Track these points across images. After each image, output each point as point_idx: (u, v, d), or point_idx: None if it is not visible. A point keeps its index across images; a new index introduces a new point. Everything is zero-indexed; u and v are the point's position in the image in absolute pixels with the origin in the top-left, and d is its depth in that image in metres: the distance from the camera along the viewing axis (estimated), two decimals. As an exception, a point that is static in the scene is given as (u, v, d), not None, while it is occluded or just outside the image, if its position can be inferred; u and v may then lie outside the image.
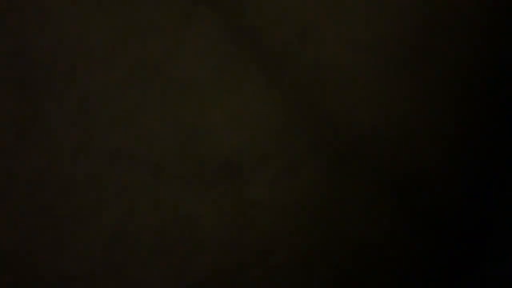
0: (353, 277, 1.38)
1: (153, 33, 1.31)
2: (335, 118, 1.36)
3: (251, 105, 1.33)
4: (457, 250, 1.39)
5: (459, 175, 1.39)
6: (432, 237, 1.39)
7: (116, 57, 1.30)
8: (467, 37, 1.37)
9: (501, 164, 1.38)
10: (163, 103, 1.32)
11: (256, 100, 1.33)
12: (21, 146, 1.31)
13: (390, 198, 1.39)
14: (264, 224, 1.36)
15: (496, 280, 1.31)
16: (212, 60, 1.33)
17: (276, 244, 1.36)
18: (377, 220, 1.38)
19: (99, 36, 1.29)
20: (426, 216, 1.40)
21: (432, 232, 1.39)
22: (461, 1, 1.36)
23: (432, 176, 1.39)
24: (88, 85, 1.30)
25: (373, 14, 1.35)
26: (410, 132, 1.38)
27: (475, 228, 1.38)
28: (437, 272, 1.40)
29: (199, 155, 1.34)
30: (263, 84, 1.33)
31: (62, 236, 1.32)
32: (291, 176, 1.36)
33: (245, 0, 1.31)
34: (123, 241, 1.33)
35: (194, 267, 1.35)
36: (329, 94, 1.34)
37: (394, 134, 1.37)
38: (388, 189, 1.39)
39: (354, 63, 1.35)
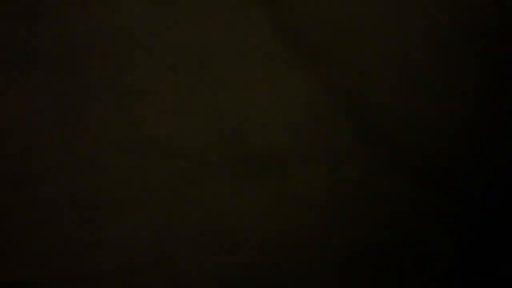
0: (396, 275, 1.32)
1: (202, 26, 1.36)
2: (380, 116, 1.37)
3: (297, 101, 1.35)
4: (493, 240, 1.34)
5: (492, 168, 1.36)
6: (470, 228, 1.35)
7: (163, 47, 1.34)
8: (496, 36, 1.40)
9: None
10: (209, 97, 1.35)
11: (302, 96, 1.35)
12: (67, 135, 1.32)
13: (428, 195, 1.37)
14: (306, 220, 1.34)
15: None
16: (259, 55, 1.36)
17: (316, 243, 1.33)
18: (421, 215, 1.35)
19: (149, 27, 1.34)
20: (461, 209, 1.36)
21: (469, 222, 1.35)
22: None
23: (467, 168, 1.37)
24: (130, 73, 1.34)
25: (417, 24, 1.39)
26: (445, 124, 1.38)
27: (505, 221, 1.34)
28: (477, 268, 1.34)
29: (244, 149, 1.35)
30: (309, 80, 1.35)
31: (105, 230, 1.30)
32: (334, 172, 1.35)
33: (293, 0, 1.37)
34: (167, 234, 1.31)
35: (236, 261, 1.31)
36: (374, 91, 1.36)
37: (433, 130, 1.37)
38: (427, 183, 1.37)
39: (399, 58, 1.38)
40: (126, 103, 1.32)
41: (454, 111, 1.36)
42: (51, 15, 1.34)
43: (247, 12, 1.34)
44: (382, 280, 1.32)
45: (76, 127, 1.32)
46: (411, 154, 1.36)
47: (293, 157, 1.35)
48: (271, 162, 1.35)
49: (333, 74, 1.34)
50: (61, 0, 1.30)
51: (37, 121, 1.29)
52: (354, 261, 1.33)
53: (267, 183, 1.35)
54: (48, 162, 1.30)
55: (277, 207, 1.34)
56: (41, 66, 1.28)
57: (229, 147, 1.34)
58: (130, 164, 1.32)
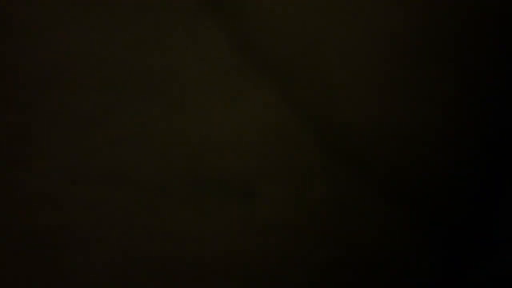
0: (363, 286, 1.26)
1: (154, 47, 1.28)
2: (345, 130, 1.30)
3: (260, 120, 1.28)
4: (463, 252, 1.28)
5: (465, 177, 1.30)
6: (441, 242, 1.29)
7: (115, 70, 1.26)
8: (468, 40, 1.34)
9: (504, 166, 1.30)
10: (166, 121, 1.27)
11: (264, 114, 1.28)
12: (15, 168, 1.24)
13: (401, 208, 1.30)
14: (276, 245, 1.26)
15: (497, 279, 1.21)
16: (216, 75, 1.29)
17: (290, 266, 1.26)
18: (391, 230, 1.29)
19: (97, 49, 1.27)
20: (435, 222, 1.30)
21: (440, 237, 1.29)
22: (463, 2, 1.34)
23: (439, 180, 1.31)
24: (80, 99, 1.26)
25: (378, 18, 1.33)
26: (415, 136, 1.31)
27: (478, 228, 1.29)
28: (445, 276, 1.28)
29: (206, 174, 1.27)
30: (272, 98, 1.28)
31: (61, 268, 1.22)
32: (303, 192, 1.28)
33: (250, 13, 1.30)
34: (124, 269, 1.23)
35: (205, 291, 1.24)
36: (342, 105, 1.29)
37: (402, 141, 1.31)
38: (398, 198, 1.30)
39: (368, 70, 1.31)
40: (77, 132, 1.25)
41: (426, 124, 1.29)
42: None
43: (202, 30, 1.26)
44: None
45: (25, 160, 1.24)
46: (382, 169, 1.30)
47: (258, 179, 1.28)
48: (235, 185, 1.28)
49: (296, 91, 1.27)
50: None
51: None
52: (327, 280, 1.27)
53: (232, 208, 1.27)
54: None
55: (245, 232, 1.27)
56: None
57: (190, 173, 1.27)
58: (85, 197, 1.24)
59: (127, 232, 1.24)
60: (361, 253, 1.28)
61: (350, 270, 1.27)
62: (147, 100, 1.26)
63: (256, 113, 1.29)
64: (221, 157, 1.27)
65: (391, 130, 1.29)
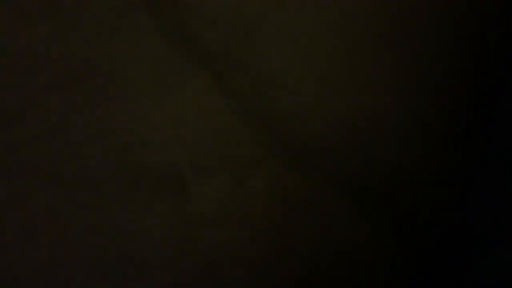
0: (312, 285, 1.22)
1: (81, 36, 1.22)
2: (287, 120, 1.26)
3: (193, 109, 1.23)
4: (438, 253, 1.25)
5: (435, 175, 1.27)
6: (408, 244, 1.25)
7: (39, 64, 1.20)
8: (447, 24, 1.30)
9: (484, 163, 1.27)
10: (93, 115, 1.21)
11: (198, 103, 1.23)
12: None
13: (348, 203, 1.26)
14: (212, 238, 1.22)
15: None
16: (147, 65, 1.23)
17: (226, 259, 1.21)
18: (340, 229, 1.25)
19: (15, 36, 1.21)
20: (399, 222, 1.26)
21: (408, 239, 1.25)
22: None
23: (395, 180, 1.27)
24: (4, 92, 1.20)
25: (318, 13, 1.28)
26: (368, 134, 1.27)
27: (457, 230, 1.25)
28: (418, 276, 1.24)
29: (136, 169, 1.22)
30: (206, 86, 1.23)
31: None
32: (240, 185, 1.24)
33: (183, 0, 1.24)
34: (55, 267, 1.18)
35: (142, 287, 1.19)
36: (279, 95, 1.24)
37: (350, 137, 1.27)
38: (347, 194, 1.26)
39: (305, 59, 1.27)
40: (1, 126, 1.19)
41: (376, 112, 1.25)
42: None
43: (130, 18, 1.21)
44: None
45: None
46: (327, 162, 1.26)
47: (192, 173, 1.23)
48: (168, 180, 1.23)
49: (231, 81, 1.22)
50: None
51: None
52: (264, 275, 1.23)
53: (164, 203, 1.22)
54: None
55: (180, 228, 1.22)
56: None
57: (119, 167, 1.21)
58: (9, 193, 1.18)
59: (54, 228, 1.19)
60: (303, 249, 1.24)
61: (288, 267, 1.23)
62: (73, 93, 1.20)
63: (188, 105, 1.24)
64: (152, 151, 1.22)
65: (334, 123, 1.25)
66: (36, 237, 1.18)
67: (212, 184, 1.23)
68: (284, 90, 1.26)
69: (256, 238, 1.23)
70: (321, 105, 1.27)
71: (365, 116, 1.26)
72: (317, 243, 1.24)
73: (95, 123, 1.21)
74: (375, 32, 1.29)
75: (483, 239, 1.25)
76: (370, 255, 1.26)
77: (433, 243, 1.26)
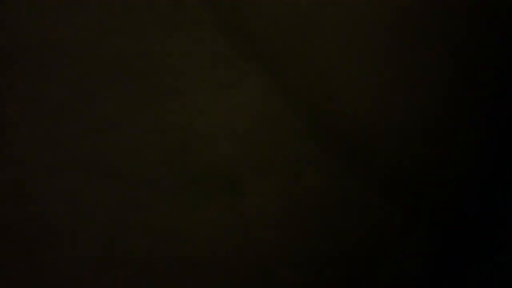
0: (358, 283, 1.22)
1: (138, 31, 1.20)
2: (339, 121, 1.24)
3: (250, 110, 1.21)
4: (463, 247, 1.25)
5: (463, 173, 1.26)
6: (439, 236, 1.25)
7: (98, 57, 1.18)
8: (467, 33, 1.28)
9: (502, 162, 1.27)
10: (150, 108, 1.19)
11: (255, 104, 1.21)
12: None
13: (397, 203, 1.26)
14: (266, 238, 1.21)
15: (497, 276, 1.19)
16: (205, 62, 1.21)
17: (279, 260, 1.20)
18: (386, 224, 1.24)
19: (79, 35, 1.18)
20: (432, 216, 1.26)
21: (438, 231, 1.25)
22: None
23: (436, 174, 1.26)
24: (60, 86, 1.17)
25: (374, 11, 1.26)
26: (415, 130, 1.26)
27: (477, 224, 1.25)
28: (443, 272, 1.24)
29: (193, 166, 1.20)
30: (264, 83, 1.21)
31: (38, 262, 1.15)
32: (294, 184, 1.22)
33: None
34: (107, 267, 1.16)
35: (195, 285, 1.18)
36: (336, 94, 1.22)
37: (400, 134, 1.26)
38: (395, 192, 1.25)
39: (362, 57, 1.25)
40: (57, 121, 1.16)
41: (425, 117, 1.24)
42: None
43: (189, 12, 1.18)
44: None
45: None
46: (380, 163, 1.24)
47: (248, 171, 1.21)
48: (224, 178, 1.21)
49: (288, 79, 1.20)
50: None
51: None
52: (319, 277, 1.22)
53: (221, 202, 1.21)
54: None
55: (235, 227, 1.21)
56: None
57: (176, 164, 1.20)
58: (64, 188, 1.16)
59: (109, 227, 1.17)
60: (355, 250, 1.23)
61: (343, 267, 1.23)
62: (131, 88, 1.18)
63: (245, 102, 1.22)
64: (209, 148, 1.20)
65: (389, 122, 1.24)
66: (88, 236, 1.17)
67: (268, 182, 1.22)
68: (341, 88, 1.25)
69: (310, 240, 1.22)
70: (378, 103, 1.26)
71: (423, 116, 1.25)
72: (368, 245, 1.24)
73: (152, 119, 1.19)
74: (430, 30, 1.28)
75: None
76: (410, 255, 1.25)
77: (462, 233, 1.26)
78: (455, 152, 1.25)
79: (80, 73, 1.17)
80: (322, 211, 1.23)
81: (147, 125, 1.18)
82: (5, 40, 1.15)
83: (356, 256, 1.23)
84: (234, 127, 1.21)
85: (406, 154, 1.25)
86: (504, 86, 1.29)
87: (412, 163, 1.26)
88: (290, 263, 1.21)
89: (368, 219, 1.24)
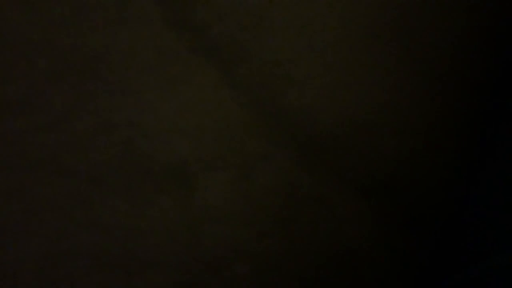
0: (319, 283, 1.21)
1: (85, 26, 1.18)
2: (295, 115, 1.23)
3: (199, 102, 1.20)
4: (433, 249, 1.24)
5: (430, 171, 1.25)
6: (405, 236, 1.24)
7: (43, 54, 1.16)
8: (443, 32, 1.26)
9: (476, 162, 1.25)
10: (98, 106, 1.18)
11: (204, 95, 1.19)
12: None
13: (356, 199, 1.24)
14: (217, 233, 1.20)
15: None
16: (152, 56, 1.19)
17: (231, 254, 1.20)
18: (340, 219, 1.23)
19: (21, 28, 1.16)
20: (396, 216, 1.25)
21: (404, 231, 1.24)
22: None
23: (401, 174, 1.25)
24: (6, 83, 1.16)
25: (338, 3, 1.23)
26: (375, 128, 1.24)
27: (449, 225, 1.24)
28: (412, 273, 1.23)
29: (140, 162, 1.19)
30: (213, 78, 1.19)
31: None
32: (246, 180, 1.21)
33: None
34: (56, 262, 1.16)
35: (145, 282, 1.17)
36: (286, 88, 1.21)
37: (358, 131, 1.24)
38: (354, 188, 1.24)
39: (313, 56, 1.23)
40: (4, 117, 1.15)
41: (384, 105, 1.22)
42: None
43: (136, 6, 1.16)
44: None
45: None
46: (335, 154, 1.23)
47: (197, 167, 1.20)
48: (172, 174, 1.20)
49: (238, 74, 1.19)
50: None
51: None
52: (271, 271, 1.21)
53: (170, 198, 1.20)
54: None
55: (183, 222, 1.20)
56: None
57: (123, 161, 1.19)
58: (11, 185, 1.15)
59: (57, 223, 1.16)
60: (307, 244, 1.23)
61: (294, 261, 1.22)
62: (78, 86, 1.17)
63: (195, 97, 1.20)
64: (157, 144, 1.19)
65: (341, 114, 1.22)
66: (36, 231, 1.16)
67: (217, 178, 1.21)
68: (291, 82, 1.23)
69: (262, 234, 1.21)
70: (329, 98, 1.24)
71: (372, 110, 1.24)
72: (322, 237, 1.23)
73: (98, 115, 1.18)
74: (385, 24, 1.25)
75: (483, 238, 1.24)
76: (375, 249, 1.24)
77: (438, 238, 1.24)
78: (422, 149, 1.24)
79: (27, 71, 1.16)
80: (273, 207, 1.22)
81: (93, 121, 1.17)
82: None
83: (307, 250, 1.23)
84: (184, 123, 1.20)
85: (357, 148, 1.24)
86: (486, 86, 1.27)
87: (368, 158, 1.24)
88: (240, 259, 1.20)
89: (321, 214, 1.23)
